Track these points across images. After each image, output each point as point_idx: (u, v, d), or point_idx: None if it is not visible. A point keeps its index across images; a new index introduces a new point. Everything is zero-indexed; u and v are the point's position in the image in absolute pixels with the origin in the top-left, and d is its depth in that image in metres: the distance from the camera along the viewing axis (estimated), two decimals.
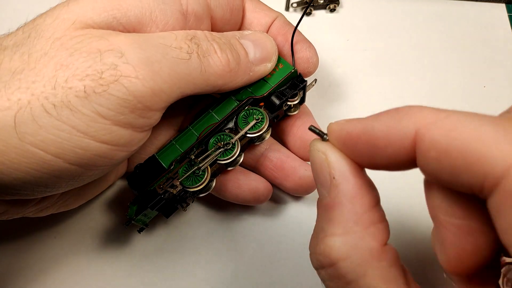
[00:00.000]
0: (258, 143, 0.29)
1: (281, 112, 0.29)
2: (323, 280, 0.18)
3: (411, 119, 0.16)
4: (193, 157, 0.26)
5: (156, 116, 0.23)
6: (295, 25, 0.28)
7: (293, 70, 0.28)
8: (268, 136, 0.29)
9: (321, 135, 0.19)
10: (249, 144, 0.28)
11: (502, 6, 0.41)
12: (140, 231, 0.28)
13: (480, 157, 0.13)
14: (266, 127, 0.27)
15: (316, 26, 0.39)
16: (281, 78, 0.27)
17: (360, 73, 0.37)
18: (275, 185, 0.30)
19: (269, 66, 0.27)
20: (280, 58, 0.28)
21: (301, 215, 0.32)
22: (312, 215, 0.31)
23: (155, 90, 0.21)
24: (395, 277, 0.16)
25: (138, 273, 0.30)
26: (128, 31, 0.23)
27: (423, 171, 0.16)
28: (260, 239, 0.31)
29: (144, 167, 0.26)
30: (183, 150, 0.26)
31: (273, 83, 0.27)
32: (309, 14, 0.40)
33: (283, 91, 0.28)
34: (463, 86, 0.37)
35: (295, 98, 0.28)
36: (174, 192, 0.25)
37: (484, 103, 0.36)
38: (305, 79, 0.28)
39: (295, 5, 0.40)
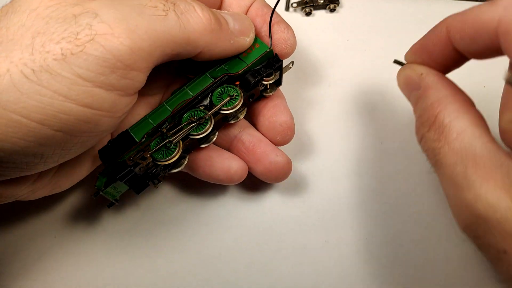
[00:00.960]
0: (233, 122, 0.29)
1: (257, 92, 0.29)
2: (423, 140, 0.23)
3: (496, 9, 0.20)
4: (165, 130, 0.26)
5: (140, 78, 0.23)
6: (273, 7, 0.29)
7: (268, 50, 0.28)
8: (242, 116, 0.29)
9: (402, 63, 0.27)
10: (223, 122, 0.29)
11: None
12: (109, 206, 0.28)
13: None
14: (240, 104, 0.27)
15: (316, 26, 0.39)
16: (256, 57, 0.28)
17: (360, 73, 0.37)
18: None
19: (247, 40, 0.28)
20: (257, 39, 0.29)
21: (275, 202, 0.32)
22: (285, 215, 0.32)
23: (133, 48, 0.21)
24: (483, 125, 0.22)
25: (109, 253, 0.30)
26: None
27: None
28: (233, 222, 0.31)
29: (116, 141, 0.26)
30: (155, 124, 0.26)
31: (248, 61, 0.28)
32: (309, 14, 0.40)
33: (258, 69, 0.28)
34: (463, 86, 0.37)
35: (270, 78, 0.29)
36: (144, 164, 0.25)
37: (484, 103, 0.35)
38: (282, 60, 0.29)
39: (295, 5, 0.40)
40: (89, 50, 0.20)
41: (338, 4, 0.39)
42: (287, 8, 0.40)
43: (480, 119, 0.22)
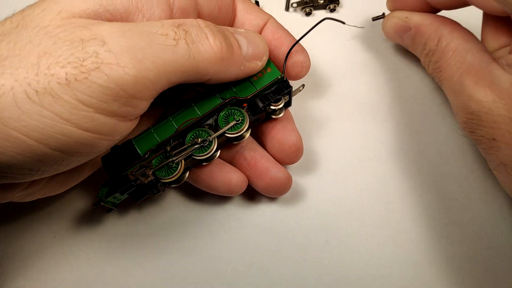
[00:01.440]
0: (236, 142, 0.29)
1: (263, 115, 0.29)
2: (429, 64, 0.30)
3: None
4: (168, 148, 0.26)
5: (143, 105, 0.22)
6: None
7: (279, 76, 0.28)
8: (247, 136, 0.29)
9: (380, 17, 0.35)
10: (226, 143, 0.29)
11: None
12: (108, 211, 0.28)
13: None
14: (245, 129, 0.27)
15: (316, 26, 0.39)
16: (267, 83, 0.28)
17: (360, 73, 0.37)
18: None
19: (259, 64, 0.27)
20: (269, 62, 0.28)
21: (274, 214, 0.32)
22: (284, 215, 0.32)
23: (138, 77, 0.21)
24: (474, 39, 0.29)
25: (109, 254, 0.31)
26: (116, 20, 0.23)
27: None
28: (233, 222, 0.32)
29: (120, 150, 0.26)
30: (160, 140, 0.26)
31: (258, 86, 0.27)
32: (309, 14, 0.40)
33: (267, 94, 0.28)
34: None
35: (279, 103, 0.28)
36: (146, 181, 0.25)
37: None
38: (291, 85, 0.28)
39: (295, 5, 0.40)
40: (93, 78, 0.20)
41: (338, 4, 0.39)
42: (287, 8, 0.40)
43: (469, 35, 0.28)
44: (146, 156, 0.26)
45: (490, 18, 0.28)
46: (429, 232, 0.31)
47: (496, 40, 0.28)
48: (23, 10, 0.23)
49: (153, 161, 0.26)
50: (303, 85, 0.30)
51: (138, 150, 0.26)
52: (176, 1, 0.25)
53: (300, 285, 0.30)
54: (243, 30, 0.27)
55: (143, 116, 0.27)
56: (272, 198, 0.32)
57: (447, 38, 0.28)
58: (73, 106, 0.20)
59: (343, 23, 0.29)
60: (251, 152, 0.30)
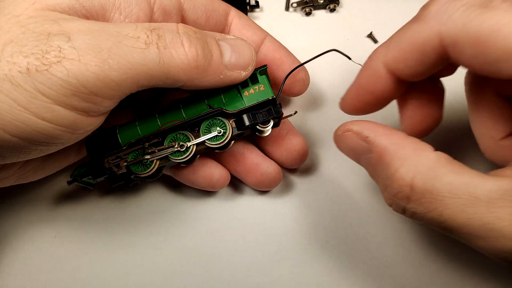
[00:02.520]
0: (218, 152, 0.28)
1: (248, 131, 0.29)
2: (414, 215, 0.21)
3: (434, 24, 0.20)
4: (146, 145, 0.27)
5: (106, 104, 0.23)
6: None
7: (271, 98, 0.27)
8: (230, 146, 0.28)
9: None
10: (206, 150, 0.28)
11: None
12: (84, 189, 0.29)
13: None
14: (225, 141, 0.27)
15: (316, 26, 0.39)
16: (256, 101, 0.27)
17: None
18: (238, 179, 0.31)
19: (243, 74, 0.26)
20: (264, 80, 0.27)
21: (276, 202, 0.32)
22: (284, 215, 0.32)
23: (100, 76, 0.21)
24: (461, 167, 0.20)
25: (109, 254, 0.31)
26: (92, 16, 0.23)
27: (462, 64, 0.20)
28: (233, 222, 0.32)
29: (104, 135, 0.27)
30: (142, 135, 0.27)
31: (248, 103, 0.27)
32: (309, 14, 0.40)
33: (256, 114, 0.27)
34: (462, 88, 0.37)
35: (266, 125, 0.27)
36: (118, 172, 0.26)
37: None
38: (282, 113, 0.28)
39: (295, 5, 0.40)
40: (54, 71, 0.20)
41: (338, 4, 0.39)
42: (287, 8, 0.40)
43: (452, 161, 0.21)
44: (125, 148, 0.27)
45: (486, 95, 0.23)
46: (429, 232, 0.31)
47: (502, 125, 0.23)
48: None
49: (131, 154, 0.27)
50: (296, 112, 0.29)
51: (120, 140, 0.27)
52: (158, 1, 0.25)
53: (300, 285, 0.30)
54: (232, 36, 0.27)
55: (124, 112, 0.27)
56: (273, 195, 0.32)
57: (431, 175, 0.20)
58: (31, 95, 0.20)
59: (349, 58, 0.27)
60: (240, 148, 0.30)
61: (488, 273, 0.29)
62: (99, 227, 0.32)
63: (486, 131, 0.24)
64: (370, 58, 0.24)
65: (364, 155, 0.23)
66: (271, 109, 0.27)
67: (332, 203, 0.32)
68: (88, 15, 0.23)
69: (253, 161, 0.29)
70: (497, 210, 0.18)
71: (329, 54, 0.28)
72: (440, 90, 0.26)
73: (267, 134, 0.28)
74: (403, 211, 0.22)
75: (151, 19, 0.25)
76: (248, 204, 0.32)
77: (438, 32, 0.20)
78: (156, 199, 0.32)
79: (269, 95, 0.27)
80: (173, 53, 0.22)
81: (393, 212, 0.31)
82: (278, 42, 0.30)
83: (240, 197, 0.32)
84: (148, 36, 0.22)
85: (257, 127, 0.27)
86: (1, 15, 0.21)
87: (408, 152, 0.21)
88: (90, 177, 0.27)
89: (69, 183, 0.28)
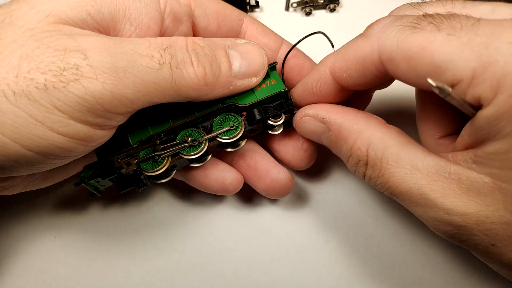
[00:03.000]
0: (230, 150, 0.28)
1: (260, 128, 0.28)
2: (370, 180, 0.24)
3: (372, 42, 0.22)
4: (158, 142, 0.26)
5: (119, 119, 0.23)
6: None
7: (282, 90, 0.27)
8: (242, 144, 0.28)
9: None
10: (219, 148, 0.28)
11: None
12: (91, 195, 0.28)
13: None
14: (238, 136, 0.27)
15: (316, 26, 0.39)
16: (268, 94, 0.27)
17: None
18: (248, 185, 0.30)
19: (254, 81, 0.26)
20: (275, 74, 0.28)
21: (272, 217, 0.32)
22: (284, 215, 0.32)
23: (116, 94, 0.21)
24: (409, 141, 0.23)
25: (109, 254, 0.31)
26: (103, 28, 0.23)
27: (398, 78, 0.22)
28: (233, 222, 0.31)
29: (113, 135, 0.26)
30: (152, 132, 0.26)
31: (259, 96, 0.27)
32: (309, 14, 0.40)
33: (267, 107, 0.27)
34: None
35: (278, 119, 0.27)
36: (128, 170, 0.26)
37: None
38: (294, 106, 0.27)
39: (295, 5, 0.40)
40: (71, 88, 0.20)
41: (338, 4, 0.39)
42: (287, 8, 0.40)
43: (401, 134, 0.23)
44: (135, 146, 0.26)
45: (429, 100, 0.25)
46: (430, 232, 0.31)
47: (440, 126, 0.25)
48: (10, 4, 0.23)
49: (141, 153, 0.26)
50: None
51: (130, 138, 0.26)
52: (168, 8, 0.25)
53: (300, 285, 0.30)
54: (243, 41, 0.27)
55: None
56: (270, 200, 0.32)
57: (380, 145, 0.23)
58: (48, 110, 0.20)
59: (333, 46, 0.28)
60: (251, 153, 0.29)
61: (488, 273, 0.29)
62: (99, 227, 0.32)
63: (428, 129, 0.26)
64: (321, 63, 0.26)
65: (323, 134, 0.26)
66: (283, 103, 0.27)
67: (332, 203, 0.32)
68: (100, 28, 0.23)
69: (264, 166, 0.29)
70: (432, 182, 0.21)
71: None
72: (367, 98, 0.29)
73: (279, 132, 0.28)
74: (363, 176, 0.24)
75: (161, 27, 0.25)
76: (248, 205, 0.32)
77: (378, 48, 0.22)
78: (157, 201, 0.32)
79: (281, 87, 0.27)
80: (184, 72, 0.23)
81: (393, 212, 0.32)
82: (295, 47, 0.30)
83: (240, 198, 0.32)
84: (161, 55, 0.22)
85: (269, 121, 0.27)
86: (14, 28, 0.21)
87: (362, 126, 0.24)
88: (98, 179, 0.26)
89: (75, 185, 0.27)
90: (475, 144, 0.20)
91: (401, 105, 0.35)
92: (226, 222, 0.32)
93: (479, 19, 0.19)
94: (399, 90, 0.33)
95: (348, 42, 0.25)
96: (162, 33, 0.25)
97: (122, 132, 0.26)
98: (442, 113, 0.25)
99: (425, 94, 0.25)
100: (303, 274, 0.30)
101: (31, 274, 0.30)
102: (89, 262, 0.30)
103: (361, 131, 0.24)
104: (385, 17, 0.23)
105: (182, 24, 0.26)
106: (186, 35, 0.27)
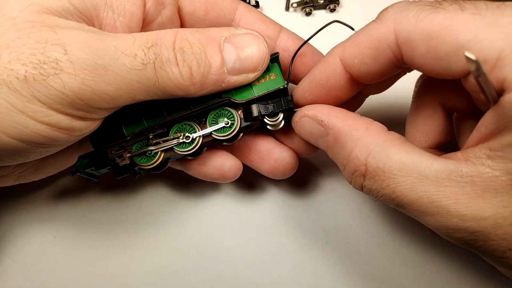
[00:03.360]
0: (226, 144, 0.28)
1: (258, 124, 0.28)
2: (370, 191, 0.22)
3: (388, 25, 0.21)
4: (151, 136, 0.26)
5: (101, 113, 0.23)
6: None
7: (282, 87, 0.26)
8: (238, 138, 0.27)
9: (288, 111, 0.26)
10: (213, 143, 0.28)
11: None
12: (88, 181, 0.28)
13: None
14: (233, 133, 0.26)
15: (316, 26, 0.39)
16: (266, 91, 0.26)
17: None
18: (252, 169, 0.29)
19: (251, 76, 0.25)
20: (275, 67, 0.26)
21: (276, 202, 0.32)
22: (286, 204, 0.32)
23: (96, 91, 0.21)
24: (412, 147, 0.21)
25: (109, 254, 0.31)
26: (86, 17, 0.23)
27: (415, 64, 0.21)
28: (233, 222, 0.31)
29: (107, 124, 0.26)
30: (147, 125, 0.26)
31: (257, 92, 0.26)
32: (309, 14, 0.40)
33: (265, 105, 0.26)
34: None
35: (275, 118, 0.26)
36: (121, 163, 0.25)
37: None
38: (293, 105, 0.26)
39: (295, 5, 0.40)
40: (51, 82, 0.20)
41: (338, 4, 0.39)
42: (287, 8, 0.40)
43: (404, 141, 0.22)
44: (129, 138, 0.26)
45: (424, 107, 0.25)
46: (430, 232, 0.31)
47: (428, 137, 0.25)
48: None
49: (135, 146, 0.26)
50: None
51: (124, 130, 0.26)
52: None
53: (300, 285, 0.30)
54: (243, 31, 0.25)
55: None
56: (273, 195, 0.32)
57: (382, 155, 0.21)
58: (28, 100, 0.20)
59: (352, 28, 0.27)
60: (252, 135, 0.29)
61: (488, 273, 0.29)
62: (98, 227, 0.32)
63: (417, 135, 0.25)
64: (328, 53, 0.25)
65: (321, 138, 0.24)
66: (281, 101, 0.26)
67: (332, 203, 0.32)
68: (83, 17, 0.23)
69: (266, 147, 0.28)
70: (443, 189, 0.20)
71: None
72: (357, 103, 0.29)
73: (279, 127, 0.27)
74: (361, 187, 0.23)
75: (144, 10, 0.24)
76: (248, 205, 0.32)
77: (394, 30, 0.21)
78: (156, 199, 0.32)
79: (280, 84, 0.26)
80: (169, 72, 0.22)
81: (393, 212, 0.32)
82: (295, 34, 0.29)
83: (240, 198, 0.32)
84: (145, 54, 0.22)
85: (265, 120, 0.26)
86: None
87: (361, 133, 0.22)
88: (93, 168, 0.27)
89: (71, 173, 0.27)
90: (493, 135, 0.19)
91: (393, 112, 0.35)
92: (226, 222, 0.32)
93: (504, 2, 0.18)
94: (392, 97, 0.32)
95: (358, 30, 0.23)
96: (144, 17, 0.25)
97: (116, 120, 0.26)
98: (440, 121, 0.25)
99: (427, 96, 0.25)
100: (303, 274, 0.30)
101: (31, 273, 0.30)
102: (88, 261, 0.30)
103: (360, 139, 0.22)
104: (399, 1, 0.22)
105: (165, 8, 0.25)
106: (170, 19, 0.26)
